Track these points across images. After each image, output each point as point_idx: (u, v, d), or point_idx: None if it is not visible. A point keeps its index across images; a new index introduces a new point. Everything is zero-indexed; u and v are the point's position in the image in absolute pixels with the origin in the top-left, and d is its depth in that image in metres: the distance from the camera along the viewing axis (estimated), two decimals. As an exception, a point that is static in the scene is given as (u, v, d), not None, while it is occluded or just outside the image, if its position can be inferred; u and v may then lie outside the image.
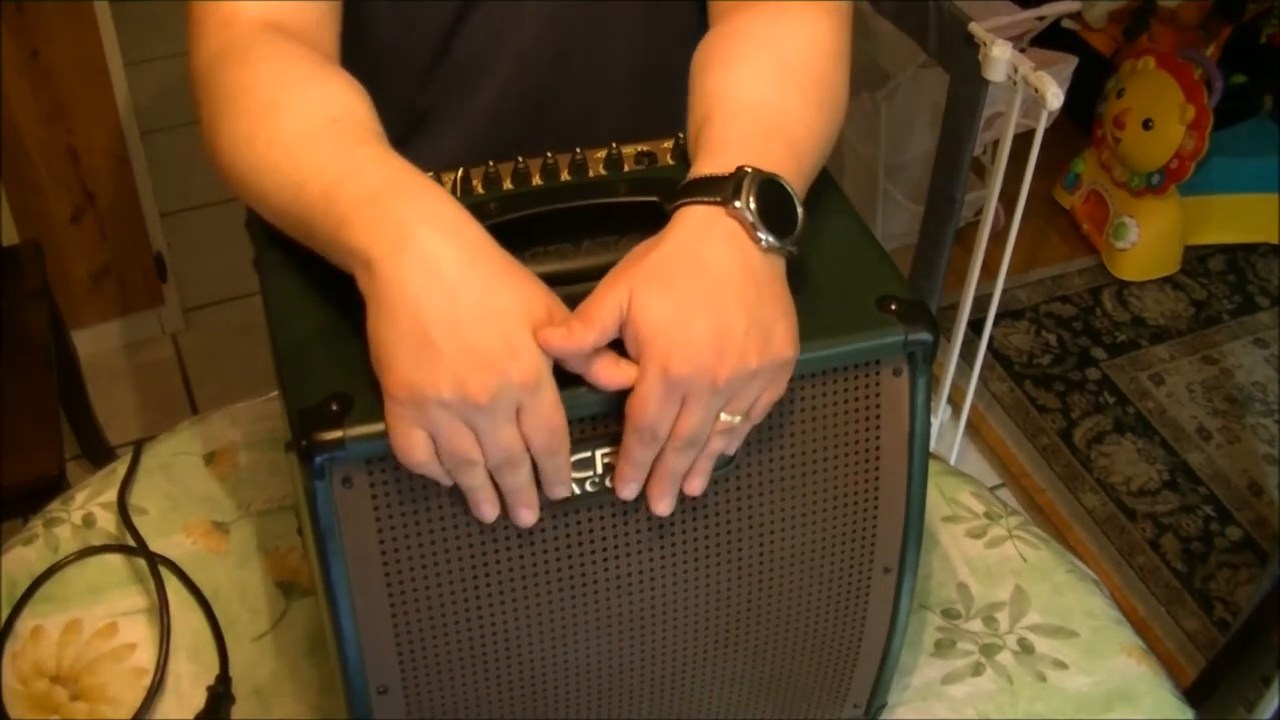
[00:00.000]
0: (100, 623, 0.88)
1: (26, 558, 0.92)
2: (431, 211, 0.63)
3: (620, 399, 0.64)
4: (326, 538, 0.64)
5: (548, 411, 0.62)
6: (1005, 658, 0.89)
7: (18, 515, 1.41)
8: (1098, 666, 0.89)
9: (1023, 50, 1.75)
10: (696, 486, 0.67)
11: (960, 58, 1.62)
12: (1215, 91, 2.28)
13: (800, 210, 0.67)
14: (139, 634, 0.88)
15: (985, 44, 1.56)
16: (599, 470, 0.66)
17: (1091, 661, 0.90)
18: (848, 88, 0.80)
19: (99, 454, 1.92)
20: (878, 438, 0.71)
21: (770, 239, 0.65)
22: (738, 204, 0.65)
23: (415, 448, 0.61)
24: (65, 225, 2.03)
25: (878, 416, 0.70)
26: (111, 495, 0.96)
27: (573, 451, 0.64)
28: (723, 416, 0.64)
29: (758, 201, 0.65)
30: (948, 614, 0.92)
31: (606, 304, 0.63)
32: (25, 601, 0.89)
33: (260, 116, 0.71)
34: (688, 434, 0.64)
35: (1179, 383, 2.21)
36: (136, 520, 0.94)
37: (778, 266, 0.66)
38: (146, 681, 0.84)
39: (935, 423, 2.02)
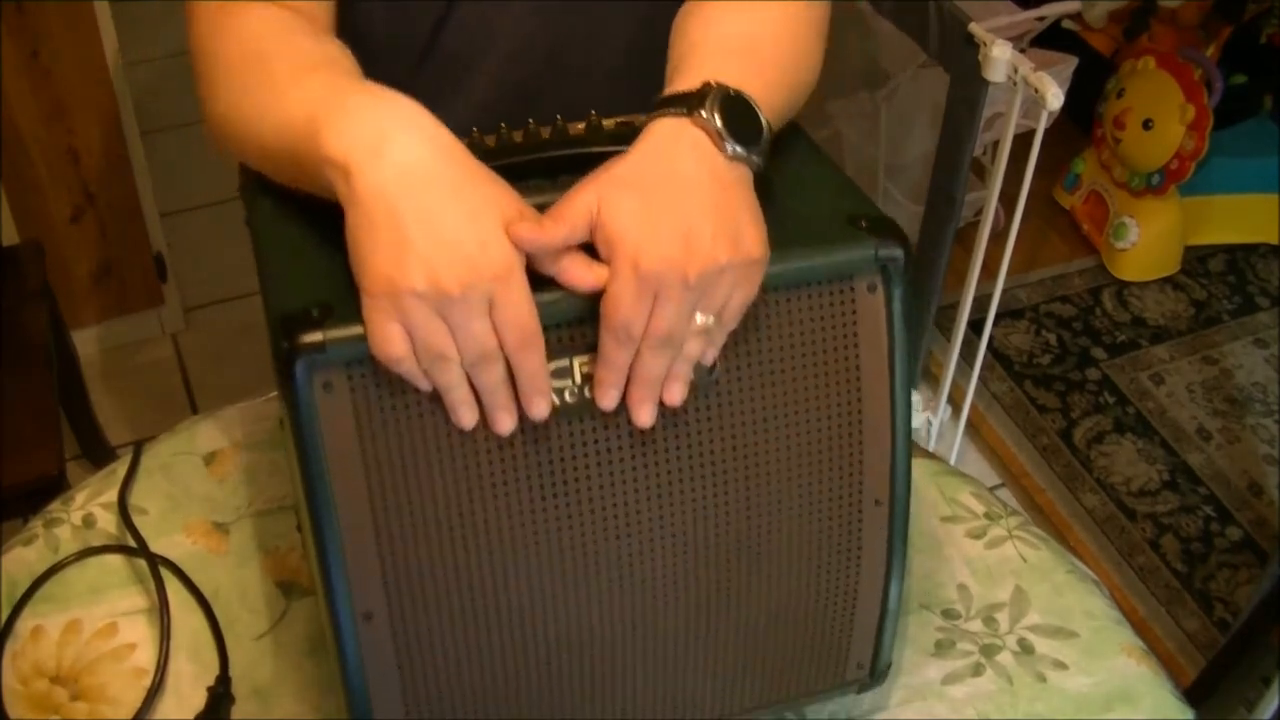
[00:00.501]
0: (100, 623, 0.88)
1: (26, 558, 0.93)
2: (408, 118, 0.65)
3: (595, 305, 0.65)
4: (308, 443, 0.65)
5: (518, 303, 0.63)
6: (1005, 658, 0.89)
7: (18, 515, 1.41)
8: (1098, 667, 0.89)
9: (1023, 50, 1.75)
10: (676, 395, 0.68)
11: (960, 58, 1.62)
12: (1215, 91, 2.28)
13: (765, 122, 0.70)
14: (139, 634, 0.88)
15: (985, 44, 1.57)
16: (578, 380, 0.67)
17: (1091, 662, 0.90)
18: (821, 55, 0.83)
19: (99, 454, 1.92)
20: (857, 355, 0.72)
21: (736, 148, 0.67)
22: (703, 114, 0.67)
23: (391, 341, 0.62)
24: (65, 225, 2.03)
25: (855, 334, 0.71)
26: (111, 495, 0.96)
27: (550, 360, 0.65)
28: (697, 318, 0.66)
29: (723, 114, 0.67)
30: (948, 614, 0.92)
31: (576, 205, 0.65)
32: (25, 602, 0.89)
33: (251, 69, 0.74)
34: (662, 332, 0.65)
35: (1179, 383, 2.21)
36: (136, 520, 0.94)
37: (745, 175, 0.69)
38: (146, 681, 0.84)
39: (935, 422, 2.02)
